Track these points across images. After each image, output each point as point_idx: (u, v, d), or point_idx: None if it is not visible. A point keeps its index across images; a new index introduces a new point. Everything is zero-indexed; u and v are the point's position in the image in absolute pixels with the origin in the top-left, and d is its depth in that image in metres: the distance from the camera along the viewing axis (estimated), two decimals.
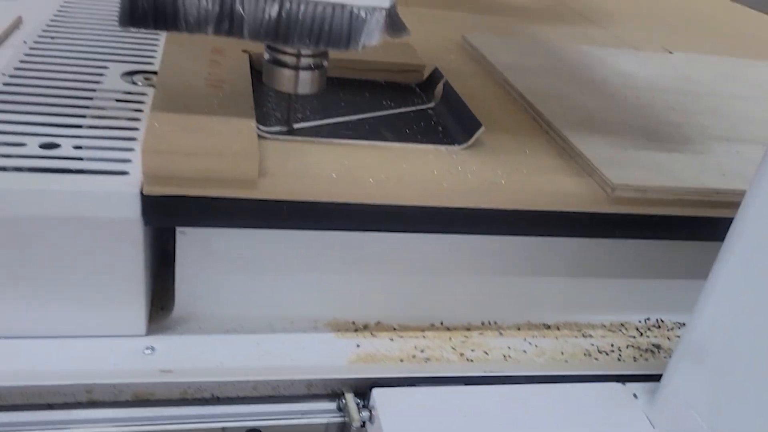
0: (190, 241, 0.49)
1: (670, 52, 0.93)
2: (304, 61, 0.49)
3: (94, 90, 0.57)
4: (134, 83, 0.60)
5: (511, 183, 0.51)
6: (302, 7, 0.44)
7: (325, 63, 0.51)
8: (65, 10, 0.75)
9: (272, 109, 0.56)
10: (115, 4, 0.79)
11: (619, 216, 0.53)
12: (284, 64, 0.50)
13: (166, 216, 0.45)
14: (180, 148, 0.44)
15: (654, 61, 0.86)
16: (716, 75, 0.85)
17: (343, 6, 0.44)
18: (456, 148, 0.55)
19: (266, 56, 0.51)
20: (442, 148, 0.54)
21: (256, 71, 0.62)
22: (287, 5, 0.44)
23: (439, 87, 0.64)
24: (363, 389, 0.48)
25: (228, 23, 0.44)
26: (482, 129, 0.55)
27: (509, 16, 1.01)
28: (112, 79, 0.60)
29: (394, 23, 0.46)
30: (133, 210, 0.44)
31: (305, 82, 0.50)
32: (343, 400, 0.48)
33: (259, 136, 0.50)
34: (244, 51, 0.62)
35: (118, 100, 0.56)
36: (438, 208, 0.49)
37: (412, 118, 0.60)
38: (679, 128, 0.64)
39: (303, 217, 0.47)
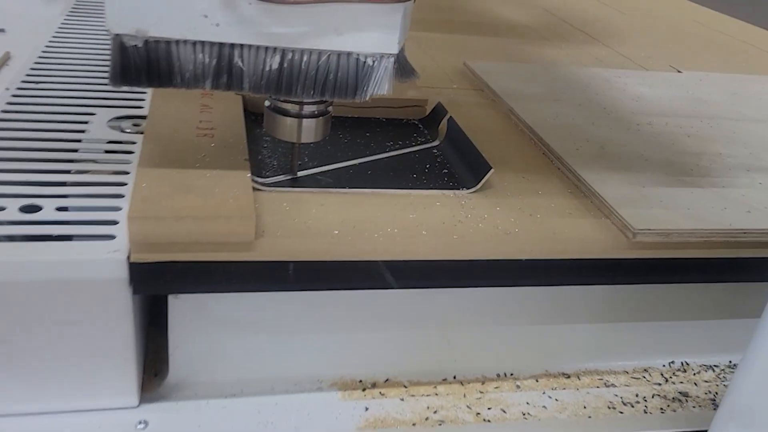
0: (183, 306, 0.45)
1: (679, 71, 0.90)
2: (308, 109, 0.46)
3: (79, 141, 0.54)
4: (122, 130, 0.57)
5: (524, 230, 0.48)
6: (305, 58, 0.41)
7: (330, 109, 0.48)
8: (53, 45, 0.72)
9: (268, 156, 0.53)
10: (104, 38, 0.77)
11: (641, 261, 0.49)
12: (286, 113, 0.47)
13: (155, 283, 0.42)
14: (169, 212, 0.40)
15: (663, 81, 0.83)
16: (728, 95, 0.82)
17: (348, 54, 0.41)
18: (464, 192, 0.51)
19: (267, 103, 0.48)
20: (450, 193, 0.51)
21: (250, 113, 0.59)
22: (289, 56, 0.41)
23: (443, 123, 0.61)
24: None
25: (227, 77, 0.41)
26: (491, 171, 0.51)
27: (511, 38, 0.98)
28: (99, 126, 0.56)
29: (402, 68, 0.43)
30: (120, 277, 0.41)
31: (309, 131, 0.47)
32: None
33: (255, 189, 0.47)
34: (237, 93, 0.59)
35: (105, 151, 0.53)
36: (449, 262, 0.46)
37: (416, 159, 0.56)
38: (698, 159, 0.61)
39: (305, 277, 0.44)
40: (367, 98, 0.43)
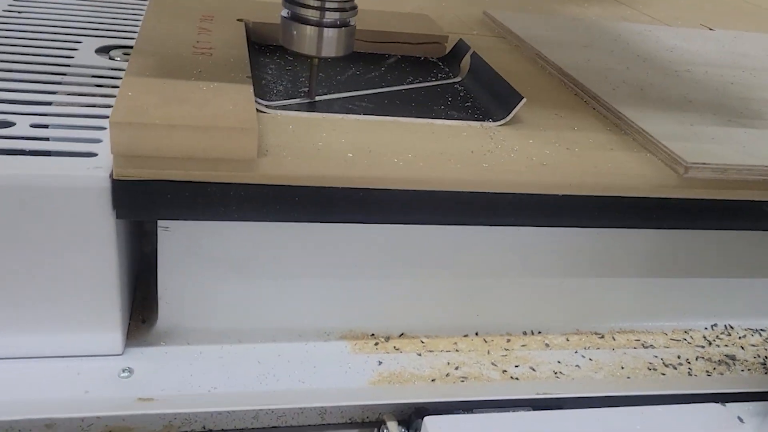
0: (174, 239, 0.40)
1: (711, 29, 0.84)
2: (330, 17, 0.42)
3: (67, 66, 0.48)
4: (111, 59, 0.51)
5: (562, 162, 0.42)
6: None
7: (353, 21, 0.43)
8: None
9: (274, 82, 0.48)
10: None
11: (692, 201, 0.44)
12: (306, 21, 0.42)
13: (142, 206, 0.36)
14: (159, 120, 0.35)
15: (697, 37, 0.78)
16: (766, 51, 0.76)
17: None
18: (492, 124, 0.46)
19: (284, 12, 0.43)
20: (477, 124, 0.46)
21: (255, 45, 0.54)
22: None
23: (466, 61, 0.55)
24: (394, 417, 0.39)
25: None
26: (523, 101, 0.46)
27: None
28: (86, 54, 0.51)
29: None
30: (102, 199, 0.36)
31: (330, 42, 0.42)
32: (385, 430, 0.39)
33: (258, 111, 0.41)
34: (240, 20, 0.53)
35: (92, 76, 0.48)
36: (479, 194, 0.40)
37: (438, 93, 0.51)
38: (747, 103, 0.55)
39: (312, 206, 0.38)
40: None
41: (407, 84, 0.51)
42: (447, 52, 0.58)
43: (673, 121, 0.49)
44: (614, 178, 0.42)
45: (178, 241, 0.40)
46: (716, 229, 0.47)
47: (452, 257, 0.45)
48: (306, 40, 0.42)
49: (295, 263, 0.42)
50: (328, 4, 0.41)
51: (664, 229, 0.46)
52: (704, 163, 0.42)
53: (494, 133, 0.45)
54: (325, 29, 0.42)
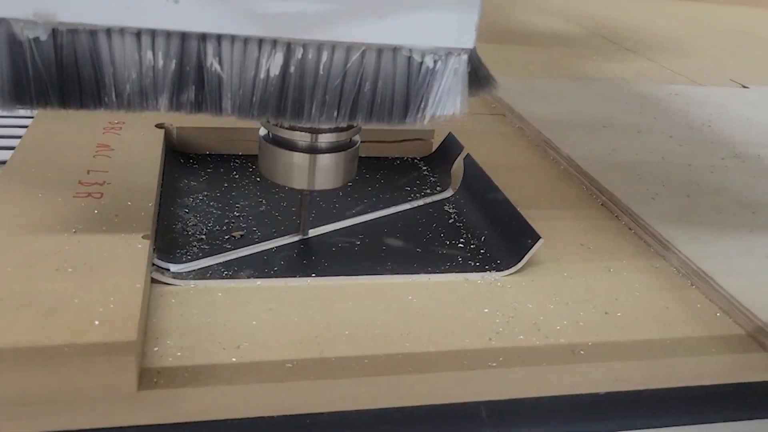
0: None
1: (745, 87, 0.72)
2: (326, 140, 0.30)
3: None
4: None
5: (601, 340, 0.29)
6: (325, 56, 0.25)
7: (357, 138, 0.32)
8: None
9: (201, 218, 0.35)
10: None
11: None
12: (293, 146, 0.30)
13: None
14: None
15: (732, 98, 0.65)
16: None
17: (395, 50, 0.25)
18: (497, 275, 0.33)
19: (261, 131, 0.31)
20: (477, 276, 0.33)
21: (178, 154, 0.41)
22: (299, 54, 0.25)
23: (458, 164, 0.43)
24: None
25: (195, 91, 0.25)
26: (539, 242, 0.33)
27: (531, 47, 0.81)
28: None
29: (477, 74, 0.27)
30: None
31: (327, 172, 0.31)
32: None
33: (154, 281, 0.29)
34: (159, 126, 0.41)
35: None
36: (485, 404, 0.27)
37: (419, 219, 0.38)
38: None
39: None
40: (425, 121, 0.26)
41: (380, 208, 0.39)
42: (434, 150, 0.46)
43: (742, 250, 0.36)
44: (677, 366, 0.29)
45: None
46: None
47: None
48: (294, 170, 0.31)
49: None
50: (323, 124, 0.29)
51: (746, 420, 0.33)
52: None
53: (500, 289, 0.32)
54: (320, 156, 0.30)
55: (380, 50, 0.25)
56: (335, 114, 0.26)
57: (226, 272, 0.31)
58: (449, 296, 0.31)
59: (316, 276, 0.31)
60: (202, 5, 0.23)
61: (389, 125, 0.27)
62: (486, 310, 0.30)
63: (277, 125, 0.30)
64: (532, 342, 0.29)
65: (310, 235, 0.35)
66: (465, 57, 0.26)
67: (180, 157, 0.41)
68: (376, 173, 0.43)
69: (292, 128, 0.30)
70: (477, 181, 0.40)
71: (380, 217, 0.38)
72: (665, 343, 0.30)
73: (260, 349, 0.26)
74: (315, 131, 0.30)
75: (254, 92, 0.25)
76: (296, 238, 0.35)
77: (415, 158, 0.46)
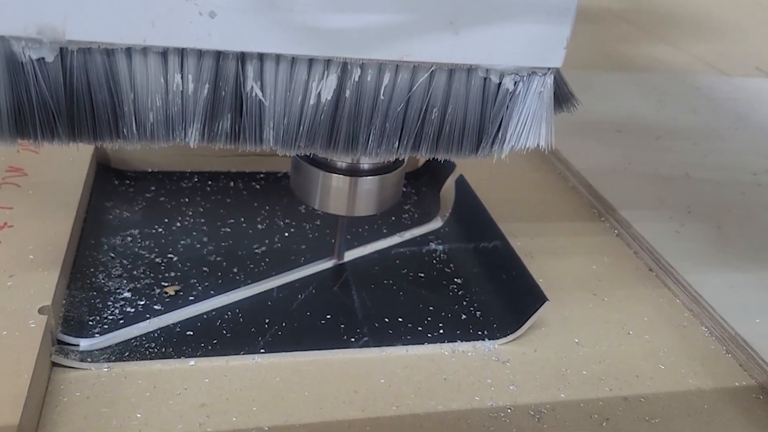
0: None
1: None
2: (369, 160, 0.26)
3: None
4: None
5: None
6: (387, 78, 0.21)
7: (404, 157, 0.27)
8: None
9: (130, 270, 0.28)
10: None
11: None
12: (331, 167, 0.26)
13: None
14: None
15: (762, 92, 0.59)
16: None
17: (470, 70, 0.22)
18: (494, 345, 0.27)
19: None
20: (468, 346, 0.27)
21: (113, 173, 0.35)
22: (356, 76, 0.21)
23: (448, 186, 0.36)
24: None
25: (230, 120, 0.21)
26: (545, 305, 0.27)
27: None
28: None
29: (563, 95, 0.23)
30: None
31: (368, 197, 0.26)
32: None
33: (56, 365, 0.23)
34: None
35: None
36: None
37: (397, 263, 0.32)
38: None
39: None
40: (502, 155, 0.23)
41: (351, 247, 0.32)
42: (420, 165, 0.39)
43: None
44: None
45: None
46: None
47: None
48: (331, 193, 0.26)
49: None
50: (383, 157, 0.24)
51: None
52: None
53: (495, 365, 0.26)
54: (361, 179, 0.26)
55: (452, 70, 0.21)
56: (396, 145, 0.22)
57: (151, 348, 0.25)
58: (431, 379, 0.25)
59: (266, 352, 0.25)
60: (243, 20, 0.19)
61: (458, 158, 0.23)
62: (477, 398, 0.24)
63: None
64: None
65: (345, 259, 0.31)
66: (551, 78, 0.21)
67: (114, 177, 0.34)
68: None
69: None
70: (470, 211, 0.34)
71: (342, 264, 0.31)
72: None
73: None
74: None
75: (301, 121, 0.21)
76: (330, 263, 0.30)
77: None
